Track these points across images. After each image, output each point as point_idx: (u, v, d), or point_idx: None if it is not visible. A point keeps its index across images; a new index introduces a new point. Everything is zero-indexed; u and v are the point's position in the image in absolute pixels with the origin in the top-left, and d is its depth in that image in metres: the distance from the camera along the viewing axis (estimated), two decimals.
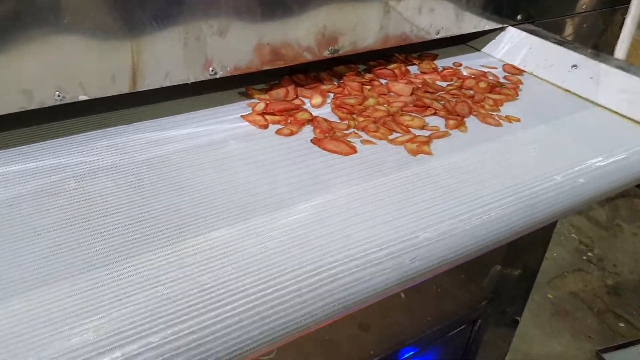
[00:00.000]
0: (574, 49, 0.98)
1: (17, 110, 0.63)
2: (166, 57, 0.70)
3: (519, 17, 1.06)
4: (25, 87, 0.62)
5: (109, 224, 0.56)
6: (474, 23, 1.01)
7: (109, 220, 0.57)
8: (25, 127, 0.70)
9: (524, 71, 1.05)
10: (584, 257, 2.16)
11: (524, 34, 1.05)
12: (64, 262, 0.51)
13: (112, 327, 0.44)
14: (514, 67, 1.06)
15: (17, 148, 0.67)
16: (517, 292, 0.98)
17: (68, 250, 0.52)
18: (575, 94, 0.96)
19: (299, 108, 0.83)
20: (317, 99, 0.87)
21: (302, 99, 0.88)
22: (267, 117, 0.80)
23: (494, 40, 1.10)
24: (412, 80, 0.98)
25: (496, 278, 0.80)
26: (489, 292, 0.79)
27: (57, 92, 0.64)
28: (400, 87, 0.93)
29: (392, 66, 1.00)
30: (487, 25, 1.03)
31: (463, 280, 0.75)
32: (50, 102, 0.65)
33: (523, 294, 1.03)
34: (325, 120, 0.80)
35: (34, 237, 0.53)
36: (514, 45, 1.06)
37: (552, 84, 1.00)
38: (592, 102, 0.94)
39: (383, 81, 0.97)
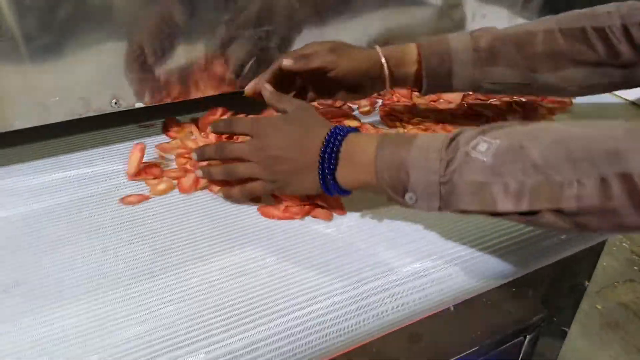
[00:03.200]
0: None
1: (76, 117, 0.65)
2: (219, 66, 0.71)
3: None
4: (82, 94, 0.64)
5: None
6: None
7: None
8: None
9: None
10: (636, 267, 2.09)
11: None
12: None
13: None
14: None
15: None
16: (567, 303, 0.96)
17: None
18: (632, 102, 0.93)
19: (347, 115, 0.83)
20: (366, 106, 0.87)
21: (351, 105, 0.88)
22: None
23: None
24: None
25: (547, 290, 0.78)
26: (539, 305, 0.77)
27: (113, 100, 0.66)
28: (450, 93, 0.92)
29: None
30: None
31: (514, 294, 0.74)
32: (107, 109, 0.67)
33: (573, 305, 1.00)
34: (374, 126, 0.80)
35: None
36: None
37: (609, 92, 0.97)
38: None
39: None
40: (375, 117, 0.85)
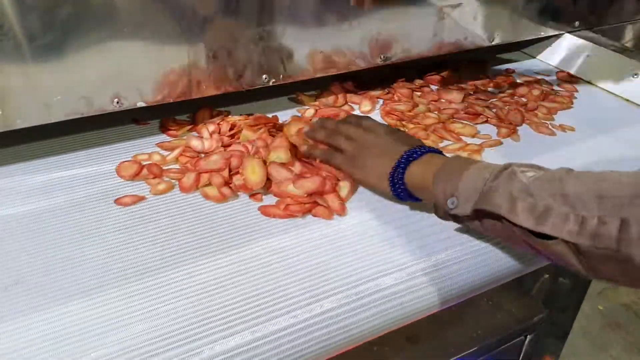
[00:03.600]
0: (635, 57, 0.95)
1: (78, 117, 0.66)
2: (223, 66, 0.72)
3: (577, 23, 1.04)
4: (84, 94, 0.65)
5: None
6: (529, 30, 0.99)
7: None
8: None
9: (579, 79, 1.02)
10: None
11: (582, 41, 1.02)
12: None
13: None
14: (568, 74, 1.03)
15: None
16: (569, 303, 0.96)
17: None
18: (635, 103, 0.93)
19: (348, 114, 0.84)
20: (367, 106, 0.87)
21: (352, 105, 0.88)
22: None
23: (550, 48, 1.07)
24: (464, 86, 0.97)
25: (548, 290, 0.78)
26: (540, 305, 0.77)
27: (115, 99, 0.67)
28: (451, 93, 0.92)
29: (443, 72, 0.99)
30: (543, 32, 1.01)
31: (515, 294, 0.74)
32: (109, 108, 0.67)
33: (574, 306, 1.00)
34: None
35: None
36: (571, 53, 1.04)
37: (610, 93, 0.97)
38: None
39: (434, 87, 0.96)
40: (376, 116, 0.84)
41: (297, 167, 0.67)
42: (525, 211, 0.48)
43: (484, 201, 0.51)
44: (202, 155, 0.70)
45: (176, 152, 0.71)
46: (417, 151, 0.60)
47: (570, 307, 1.01)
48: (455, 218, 0.55)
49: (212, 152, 0.70)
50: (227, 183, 0.65)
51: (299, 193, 0.63)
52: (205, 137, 0.73)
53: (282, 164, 0.67)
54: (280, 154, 0.67)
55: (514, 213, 0.48)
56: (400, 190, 0.60)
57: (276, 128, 0.75)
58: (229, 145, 0.72)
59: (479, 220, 0.53)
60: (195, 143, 0.72)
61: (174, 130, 0.77)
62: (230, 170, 0.66)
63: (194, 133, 0.76)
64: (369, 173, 0.63)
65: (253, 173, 0.64)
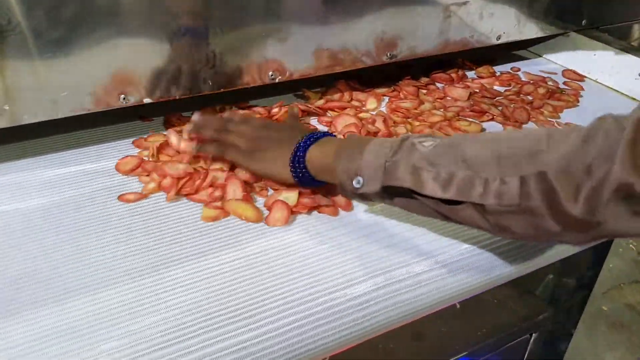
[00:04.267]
0: None
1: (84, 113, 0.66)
2: (230, 62, 0.72)
3: (583, 22, 1.03)
4: (91, 90, 0.65)
5: None
6: (535, 28, 0.99)
7: None
8: None
9: (584, 77, 1.02)
10: None
11: (588, 39, 1.02)
12: None
13: None
14: (574, 72, 1.03)
15: None
16: (573, 304, 0.96)
17: None
18: None
19: (357, 108, 0.84)
20: (372, 103, 0.87)
21: (357, 102, 0.88)
22: None
23: (556, 46, 1.07)
24: (469, 84, 0.97)
25: (553, 290, 0.78)
26: (545, 304, 0.77)
27: (121, 95, 0.67)
28: (457, 91, 0.92)
29: (449, 70, 0.99)
30: (549, 30, 1.01)
31: (520, 292, 0.74)
32: (115, 105, 0.67)
33: (578, 306, 1.00)
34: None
35: None
36: (577, 52, 1.04)
37: (617, 92, 0.96)
38: None
39: (439, 85, 0.96)
40: None
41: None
42: (430, 180, 0.49)
43: (390, 178, 0.52)
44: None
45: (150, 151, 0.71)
46: (314, 135, 0.61)
47: (575, 306, 1.01)
48: (363, 197, 0.56)
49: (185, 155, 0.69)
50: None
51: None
52: (184, 138, 0.72)
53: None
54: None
55: (419, 184, 0.50)
56: (302, 175, 0.60)
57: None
58: None
59: (389, 197, 0.54)
60: (174, 140, 0.71)
61: (179, 126, 0.77)
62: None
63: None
64: (270, 163, 0.63)
65: (245, 210, 0.62)
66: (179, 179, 0.65)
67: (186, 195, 0.64)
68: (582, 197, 0.42)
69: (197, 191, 0.64)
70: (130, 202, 0.62)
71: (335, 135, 0.63)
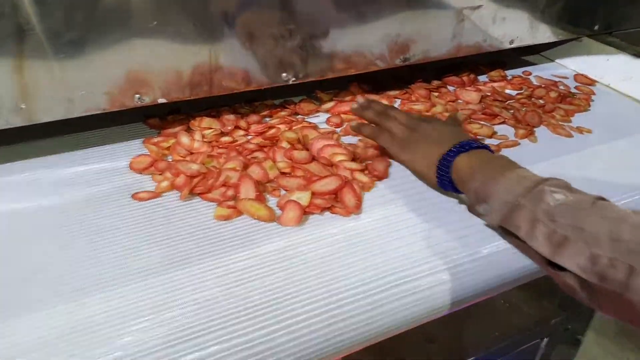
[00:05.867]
0: None
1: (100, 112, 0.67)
2: (243, 64, 0.72)
3: (596, 27, 1.03)
4: (107, 89, 0.65)
5: None
6: (548, 33, 0.98)
7: None
8: None
9: (596, 82, 1.02)
10: None
11: (601, 45, 1.02)
12: None
13: None
14: (585, 77, 1.03)
15: None
16: (583, 308, 0.95)
17: None
18: None
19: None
20: None
21: None
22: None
23: (569, 51, 1.07)
24: (481, 87, 0.97)
25: (563, 294, 0.78)
26: (557, 308, 0.77)
27: (137, 95, 0.67)
28: (468, 94, 0.92)
29: (460, 73, 1.00)
30: (562, 35, 1.01)
31: (531, 296, 0.74)
32: (131, 104, 0.68)
33: (588, 311, 0.99)
34: None
35: None
36: (590, 57, 1.03)
37: (629, 97, 0.96)
38: None
39: (451, 88, 0.96)
40: None
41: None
42: (543, 237, 0.49)
43: (508, 219, 0.52)
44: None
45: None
46: (468, 144, 0.61)
47: (585, 312, 1.00)
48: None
49: (199, 155, 0.70)
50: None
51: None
52: (197, 139, 0.73)
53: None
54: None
55: (532, 237, 0.50)
56: (445, 180, 0.61)
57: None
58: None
59: (506, 233, 0.54)
60: (185, 140, 0.72)
61: (179, 126, 0.77)
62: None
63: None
64: (419, 159, 0.64)
65: (258, 210, 0.62)
66: (192, 177, 0.65)
67: (199, 194, 0.64)
68: None
69: (210, 190, 0.64)
70: (144, 201, 0.63)
71: (491, 149, 0.63)
